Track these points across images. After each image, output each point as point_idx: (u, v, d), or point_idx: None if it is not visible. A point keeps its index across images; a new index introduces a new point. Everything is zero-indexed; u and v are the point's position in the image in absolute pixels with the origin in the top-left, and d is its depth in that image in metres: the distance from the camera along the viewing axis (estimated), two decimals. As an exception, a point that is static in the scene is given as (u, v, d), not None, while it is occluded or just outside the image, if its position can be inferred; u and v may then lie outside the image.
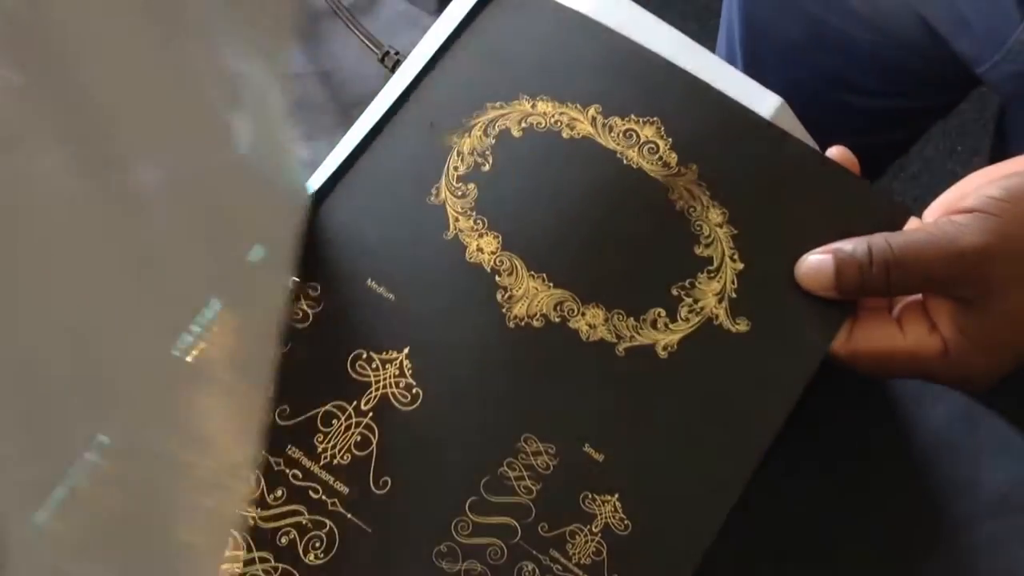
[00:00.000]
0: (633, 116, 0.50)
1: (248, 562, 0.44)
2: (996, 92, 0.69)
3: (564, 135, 0.50)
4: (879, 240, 0.46)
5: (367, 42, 0.63)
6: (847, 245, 0.47)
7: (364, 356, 0.46)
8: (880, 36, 0.71)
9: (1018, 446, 0.55)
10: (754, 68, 0.81)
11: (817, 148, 0.51)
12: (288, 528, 0.44)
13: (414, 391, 0.46)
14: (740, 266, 0.48)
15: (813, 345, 0.47)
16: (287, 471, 0.45)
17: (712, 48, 0.63)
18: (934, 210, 0.49)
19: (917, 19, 0.68)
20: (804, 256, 0.48)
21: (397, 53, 0.50)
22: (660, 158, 0.50)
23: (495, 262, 0.48)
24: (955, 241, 0.44)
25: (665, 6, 0.50)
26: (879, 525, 0.54)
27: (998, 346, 0.46)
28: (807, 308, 0.48)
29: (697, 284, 0.48)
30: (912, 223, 0.49)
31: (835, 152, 0.51)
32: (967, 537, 0.54)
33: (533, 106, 0.50)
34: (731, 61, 0.83)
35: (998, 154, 0.74)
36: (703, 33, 0.61)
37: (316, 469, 0.45)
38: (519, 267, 0.48)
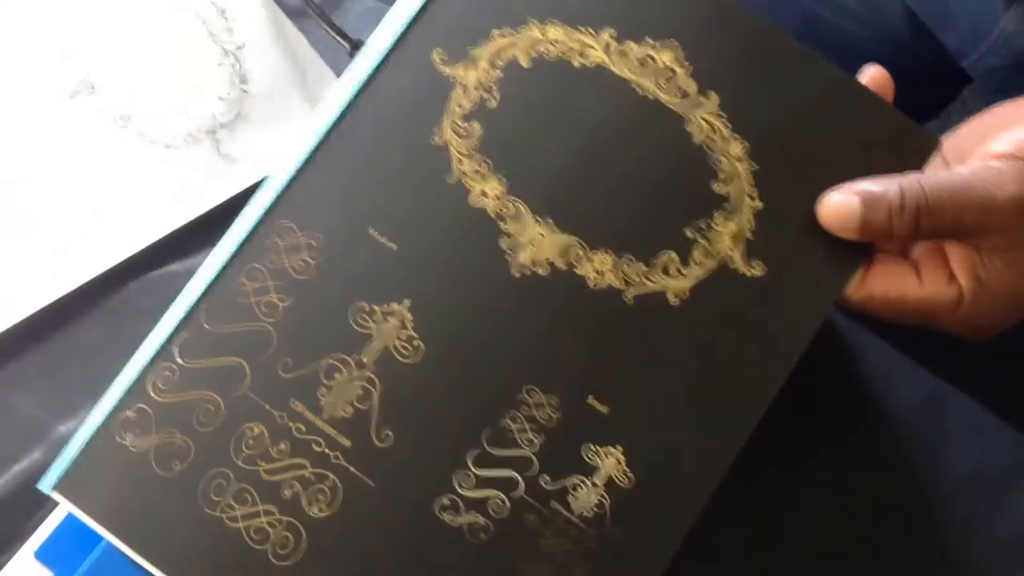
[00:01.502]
0: (649, 40, 0.47)
1: (253, 515, 0.44)
2: (982, 87, 0.68)
3: (575, 64, 0.47)
4: (912, 183, 0.43)
5: (337, 37, 0.63)
6: (876, 186, 0.44)
7: (366, 308, 0.45)
8: (870, 30, 0.70)
9: (987, 423, 0.55)
10: None
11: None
12: (292, 481, 0.44)
13: (415, 344, 0.45)
14: (759, 205, 0.46)
15: (826, 291, 0.46)
16: (290, 424, 0.44)
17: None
18: (958, 147, 0.47)
19: (905, 11, 0.68)
20: (827, 194, 0.45)
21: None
22: (678, 86, 0.47)
23: (500, 207, 0.46)
24: (993, 190, 0.42)
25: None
26: (852, 506, 0.54)
27: (1014, 298, 0.45)
28: (823, 251, 0.46)
29: (713, 224, 0.46)
30: (936, 163, 0.47)
31: (872, 73, 0.48)
32: (941, 516, 0.54)
33: (543, 32, 0.48)
34: None
35: None
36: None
37: (319, 422, 0.44)
38: (524, 212, 0.46)
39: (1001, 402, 0.55)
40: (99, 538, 0.46)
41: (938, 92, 0.79)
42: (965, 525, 0.54)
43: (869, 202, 0.44)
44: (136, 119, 0.60)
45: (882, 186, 0.44)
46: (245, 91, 0.62)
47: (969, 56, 0.65)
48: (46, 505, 0.48)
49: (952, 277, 0.45)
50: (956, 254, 0.45)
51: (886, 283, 0.45)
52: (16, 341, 0.54)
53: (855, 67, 0.77)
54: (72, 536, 0.48)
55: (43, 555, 0.48)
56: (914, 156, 0.46)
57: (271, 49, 0.63)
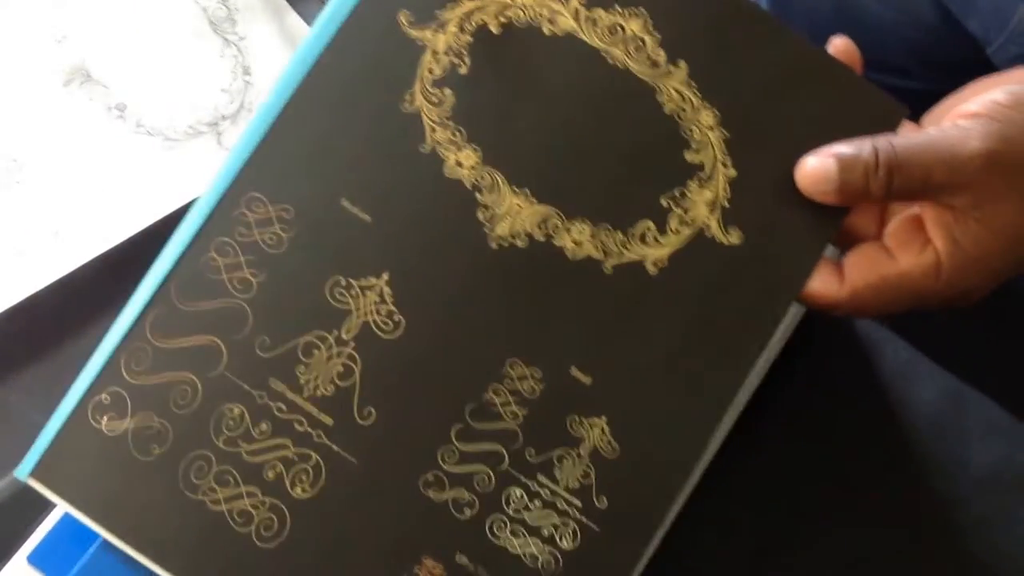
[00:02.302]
0: (618, 7, 0.47)
1: (235, 497, 0.43)
2: None
3: (545, 31, 0.46)
4: (883, 142, 0.44)
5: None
6: (848, 148, 0.44)
7: (343, 283, 0.44)
8: (898, 12, 0.70)
9: (1007, 425, 0.54)
10: None
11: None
12: (274, 462, 0.43)
13: (396, 318, 0.44)
14: (733, 172, 0.46)
15: (805, 256, 0.45)
16: (271, 404, 0.44)
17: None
18: (936, 114, 0.47)
19: None
20: (803, 159, 0.45)
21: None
22: (647, 56, 0.46)
23: (476, 178, 0.45)
24: (959, 145, 0.43)
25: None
26: (869, 506, 0.53)
27: (992, 256, 0.44)
28: (800, 216, 0.45)
29: (688, 193, 0.45)
30: (908, 127, 0.47)
31: (838, 44, 0.48)
32: (958, 517, 0.54)
33: None
34: None
35: None
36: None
37: (300, 401, 0.44)
38: (500, 182, 0.45)
39: (1021, 400, 0.55)
40: (91, 541, 0.45)
41: (968, 78, 0.79)
42: (981, 526, 0.53)
43: (845, 163, 0.44)
44: (133, 109, 0.59)
45: (856, 147, 0.44)
46: (248, 82, 0.61)
47: (991, 44, 0.65)
48: (46, 510, 0.47)
49: (925, 243, 0.45)
50: (930, 218, 0.45)
51: (863, 270, 0.45)
52: (14, 344, 0.54)
53: (886, 51, 0.78)
54: (65, 539, 0.47)
55: (35, 559, 0.47)
56: (883, 123, 0.46)
57: (274, 38, 0.62)
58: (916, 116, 0.80)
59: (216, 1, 0.63)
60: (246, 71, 0.61)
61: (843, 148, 0.44)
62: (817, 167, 0.45)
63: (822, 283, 0.45)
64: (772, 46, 0.47)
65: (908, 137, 0.44)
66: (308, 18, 0.63)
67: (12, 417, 0.48)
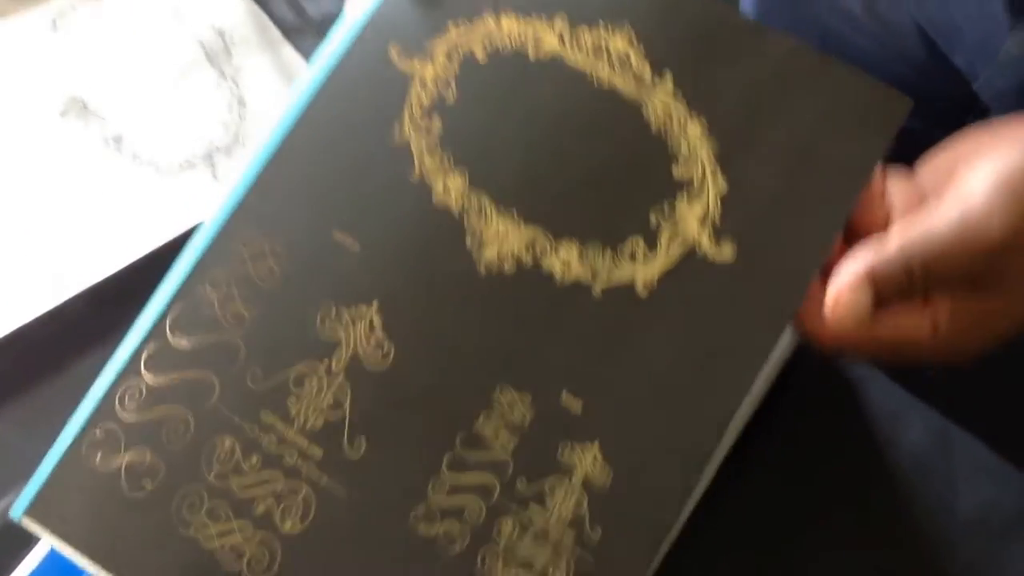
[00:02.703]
0: (602, 23, 0.47)
1: (227, 532, 0.43)
2: (993, 110, 0.66)
3: (531, 56, 0.47)
4: (913, 259, 0.42)
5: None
6: (881, 265, 0.42)
7: (333, 313, 0.44)
8: (883, 47, 0.69)
9: (993, 466, 0.53)
10: None
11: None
12: (265, 495, 0.43)
13: (385, 347, 0.44)
14: (723, 184, 0.45)
15: (801, 270, 0.44)
16: (261, 436, 0.43)
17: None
18: (934, 171, 0.46)
19: (916, 29, 0.67)
20: (833, 293, 0.43)
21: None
22: (633, 73, 0.46)
23: (463, 203, 0.45)
24: (983, 233, 0.41)
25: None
26: (855, 549, 0.52)
27: (992, 326, 0.43)
28: (795, 228, 0.45)
29: (677, 207, 0.45)
30: (896, 183, 0.46)
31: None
32: (944, 563, 0.53)
33: (497, 23, 0.47)
34: None
35: None
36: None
37: (290, 433, 0.43)
38: (487, 206, 0.45)
39: (1009, 441, 0.55)
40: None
41: (956, 114, 0.79)
42: (968, 573, 0.52)
43: (879, 286, 0.43)
44: (129, 141, 0.59)
45: (885, 267, 0.42)
46: (243, 114, 0.61)
47: (978, 79, 0.65)
48: (31, 544, 0.47)
49: (924, 305, 0.44)
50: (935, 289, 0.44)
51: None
52: (7, 377, 0.54)
53: None
54: (52, 572, 0.48)
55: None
56: (886, 119, 0.45)
57: (269, 70, 0.63)
58: (904, 152, 0.80)
59: (212, 34, 0.63)
60: (241, 103, 0.62)
61: (874, 266, 0.42)
62: (852, 297, 0.43)
63: (815, 322, 0.44)
64: (760, 50, 0.46)
65: (939, 238, 0.42)
66: (303, 51, 0.64)
67: (4, 450, 0.48)
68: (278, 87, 0.63)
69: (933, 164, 0.46)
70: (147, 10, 0.63)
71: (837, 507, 0.53)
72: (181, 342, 0.44)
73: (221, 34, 0.63)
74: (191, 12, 0.64)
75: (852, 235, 0.45)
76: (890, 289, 0.42)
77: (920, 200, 0.46)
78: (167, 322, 0.44)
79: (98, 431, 0.43)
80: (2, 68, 0.61)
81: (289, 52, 0.64)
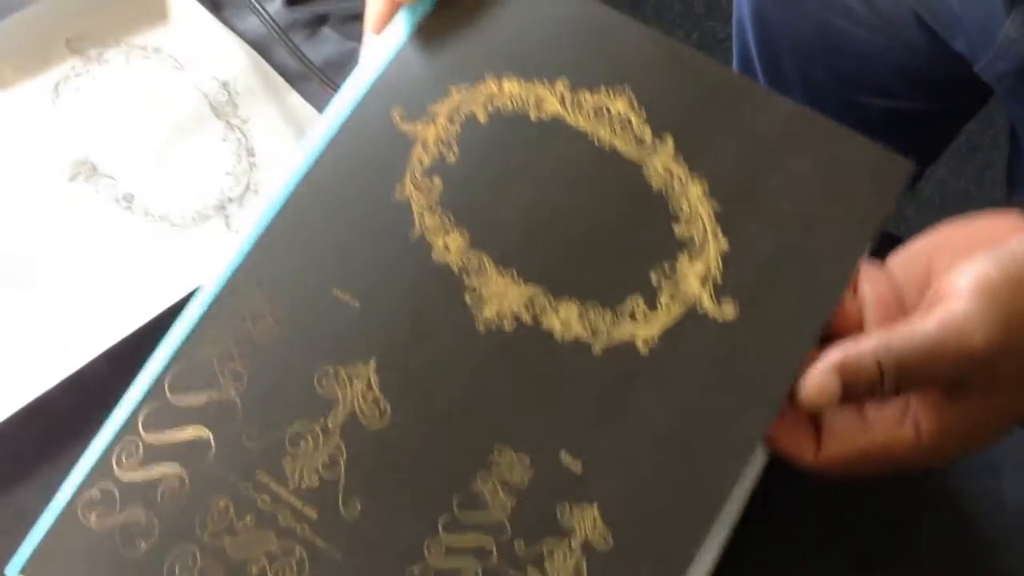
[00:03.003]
0: (603, 87, 0.47)
1: None
2: (996, 90, 0.67)
3: (532, 117, 0.47)
4: (886, 351, 0.41)
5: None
6: (852, 356, 0.41)
7: (330, 371, 0.44)
8: (883, 37, 0.70)
9: None
10: (771, 66, 0.82)
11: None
12: (259, 556, 0.42)
13: (382, 406, 0.44)
14: (724, 243, 0.45)
15: (804, 328, 0.44)
16: (256, 496, 0.43)
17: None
18: (908, 266, 0.46)
19: (915, 18, 0.68)
20: (809, 375, 0.42)
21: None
22: (633, 134, 0.46)
23: (462, 261, 0.45)
24: (966, 339, 0.40)
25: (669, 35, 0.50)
26: (904, 550, 0.52)
27: (978, 430, 0.43)
28: (798, 286, 0.44)
29: (678, 267, 0.45)
30: (868, 278, 0.45)
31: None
32: (997, 555, 0.52)
33: (499, 86, 0.48)
34: (746, 61, 0.84)
35: (1015, 160, 0.76)
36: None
37: (284, 493, 0.43)
38: (487, 264, 0.45)
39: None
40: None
41: (961, 95, 0.79)
42: (1020, 562, 0.50)
43: (848, 378, 0.41)
44: (141, 199, 0.59)
45: (856, 357, 0.41)
46: (253, 163, 0.61)
47: (979, 61, 0.65)
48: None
49: (904, 412, 0.43)
50: (916, 395, 0.43)
51: (841, 441, 0.43)
52: (28, 444, 0.53)
53: (872, 73, 0.78)
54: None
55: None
56: (886, 182, 0.45)
57: (276, 119, 0.62)
58: (903, 134, 0.80)
59: (217, 86, 0.63)
60: (250, 153, 0.61)
61: (845, 357, 0.42)
62: (820, 384, 0.42)
63: (797, 446, 0.43)
64: (760, 112, 0.46)
65: (913, 339, 0.41)
66: (309, 97, 0.63)
67: (27, 517, 0.47)
68: (287, 135, 0.62)
69: (906, 260, 0.46)
70: (149, 67, 0.63)
71: (881, 504, 0.52)
72: (179, 401, 0.44)
73: (225, 86, 0.63)
74: (193, 66, 0.64)
75: (824, 335, 0.44)
76: (860, 383, 0.41)
77: (895, 297, 0.45)
78: (166, 381, 0.44)
79: (95, 491, 0.43)
80: (7, 138, 0.60)
81: (295, 99, 0.63)
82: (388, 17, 0.50)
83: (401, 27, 0.49)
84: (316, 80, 0.63)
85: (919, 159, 0.89)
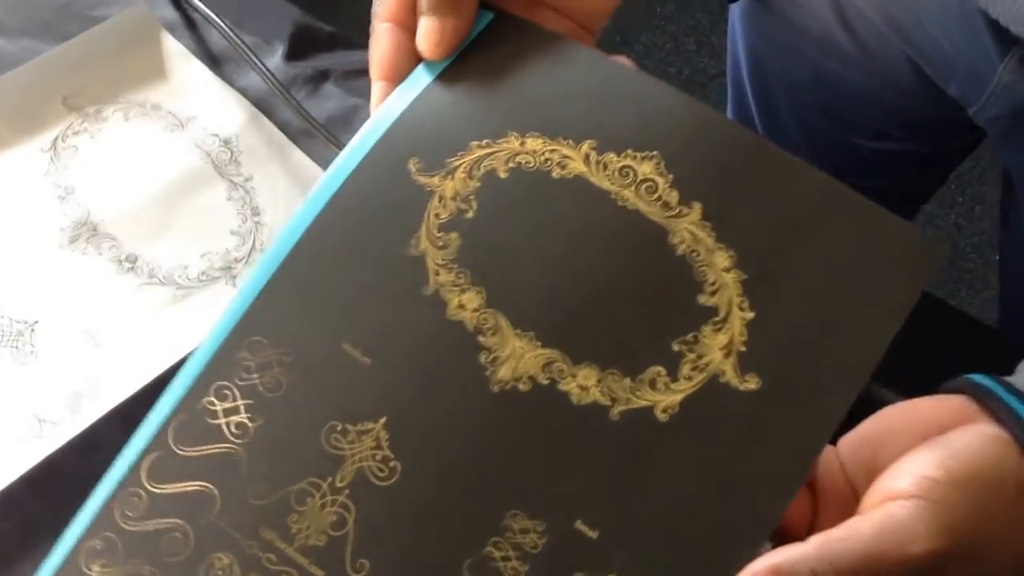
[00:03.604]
0: (630, 151, 0.46)
1: None
2: (989, 134, 0.68)
3: (555, 175, 0.46)
4: (822, 563, 0.39)
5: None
6: (786, 563, 0.39)
7: (339, 428, 0.43)
8: (876, 79, 0.71)
9: None
10: (765, 105, 0.82)
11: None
12: None
13: (391, 464, 0.42)
14: (750, 315, 0.43)
15: (832, 403, 0.42)
16: (261, 555, 0.41)
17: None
18: (856, 450, 0.44)
19: (908, 61, 0.68)
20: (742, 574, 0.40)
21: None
22: (659, 197, 0.45)
23: (478, 320, 0.44)
24: (906, 548, 0.39)
25: (663, 76, 0.50)
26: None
27: None
28: (826, 360, 0.43)
29: (701, 338, 0.43)
30: (823, 464, 0.43)
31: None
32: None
33: (522, 144, 0.47)
34: (741, 99, 0.85)
35: (1008, 203, 0.77)
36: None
37: (291, 552, 0.42)
38: (504, 325, 0.44)
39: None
40: None
41: (955, 137, 0.80)
42: None
43: None
44: (144, 260, 0.58)
45: (791, 567, 0.39)
46: (258, 222, 0.60)
47: (972, 105, 0.65)
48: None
49: None
50: None
51: None
52: (34, 511, 0.52)
53: (864, 114, 0.79)
54: None
55: None
56: (920, 264, 0.44)
57: (280, 177, 0.62)
58: (895, 175, 0.81)
59: (219, 144, 0.62)
60: (255, 212, 0.60)
61: (782, 562, 0.39)
62: None
63: None
64: (792, 183, 0.45)
65: (850, 546, 0.40)
66: (313, 155, 0.63)
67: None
68: (292, 193, 0.62)
69: (856, 444, 0.44)
70: (148, 125, 0.63)
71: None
72: (183, 452, 0.43)
73: (227, 143, 0.62)
74: (193, 124, 0.63)
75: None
76: None
77: (847, 484, 0.44)
78: (170, 431, 0.43)
79: (97, 541, 0.42)
80: (5, 199, 0.59)
81: (299, 156, 0.63)
82: (395, 64, 0.48)
83: (421, 76, 0.48)
84: (320, 137, 0.63)
85: (911, 200, 0.91)
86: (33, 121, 0.62)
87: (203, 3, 0.66)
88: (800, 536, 0.40)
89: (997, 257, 0.80)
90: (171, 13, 0.67)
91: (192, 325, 0.56)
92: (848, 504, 0.42)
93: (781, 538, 0.41)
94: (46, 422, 0.53)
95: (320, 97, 0.65)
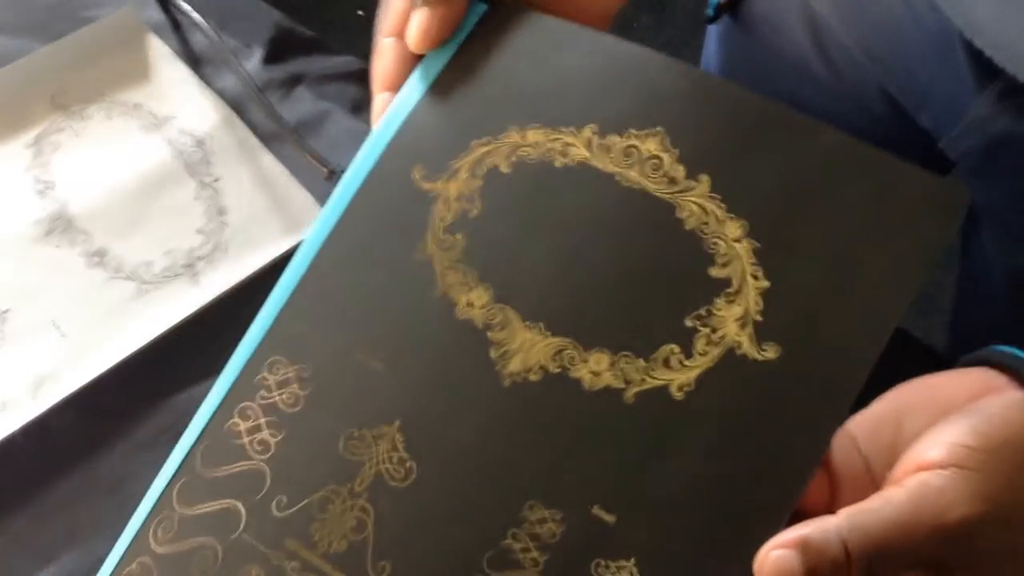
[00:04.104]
0: (633, 130, 0.45)
1: None
2: (958, 166, 0.67)
3: (557, 164, 0.45)
4: (855, 532, 0.38)
5: (314, 162, 0.64)
6: (816, 533, 0.38)
7: (356, 434, 0.43)
8: (848, 106, 0.71)
9: None
10: None
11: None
12: None
13: (407, 465, 0.42)
14: (765, 284, 0.42)
15: (852, 371, 0.41)
16: (286, 564, 0.42)
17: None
18: (874, 428, 0.43)
19: (881, 91, 0.68)
20: (766, 550, 0.39)
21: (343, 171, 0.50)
22: (664, 174, 0.44)
23: (486, 316, 0.44)
24: (942, 515, 0.38)
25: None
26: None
27: None
28: (845, 325, 0.41)
29: (715, 311, 0.42)
30: (837, 444, 0.42)
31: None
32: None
33: (523, 136, 0.46)
34: None
35: (971, 233, 0.77)
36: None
37: (314, 559, 0.42)
38: (513, 318, 0.44)
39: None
40: None
41: (931, 168, 0.79)
42: None
43: (811, 559, 0.38)
44: (112, 255, 0.59)
45: (821, 536, 0.38)
46: (224, 223, 0.62)
47: (944, 137, 0.65)
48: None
49: None
50: None
51: None
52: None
53: None
54: None
55: None
56: (941, 213, 0.42)
57: (248, 179, 0.63)
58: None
59: (192, 143, 0.63)
60: (221, 211, 0.61)
61: (811, 534, 0.38)
62: (779, 560, 0.38)
63: None
64: (801, 143, 0.44)
65: (882, 515, 0.38)
66: (282, 157, 0.63)
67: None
68: (258, 195, 0.62)
69: (872, 426, 0.43)
70: (128, 123, 0.64)
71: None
72: (210, 473, 0.44)
73: (200, 143, 0.63)
74: (170, 123, 0.64)
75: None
76: (824, 564, 0.38)
77: (865, 468, 0.43)
78: (197, 455, 0.44)
79: (135, 565, 0.43)
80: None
81: (268, 159, 0.63)
82: (400, 76, 0.48)
83: (416, 84, 0.48)
84: (289, 141, 0.65)
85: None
86: (20, 117, 0.62)
87: (189, 5, 0.68)
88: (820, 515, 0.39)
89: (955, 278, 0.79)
90: (158, 15, 0.68)
91: (151, 319, 0.57)
92: (865, 486, 0.41)
93: (799, 521, 0.40)
94: (7, 404, 0.55)
95: (292, 101, 0.67)
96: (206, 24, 0.66)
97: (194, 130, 0.65)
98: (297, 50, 0.69)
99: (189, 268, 0.60)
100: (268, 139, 0.65)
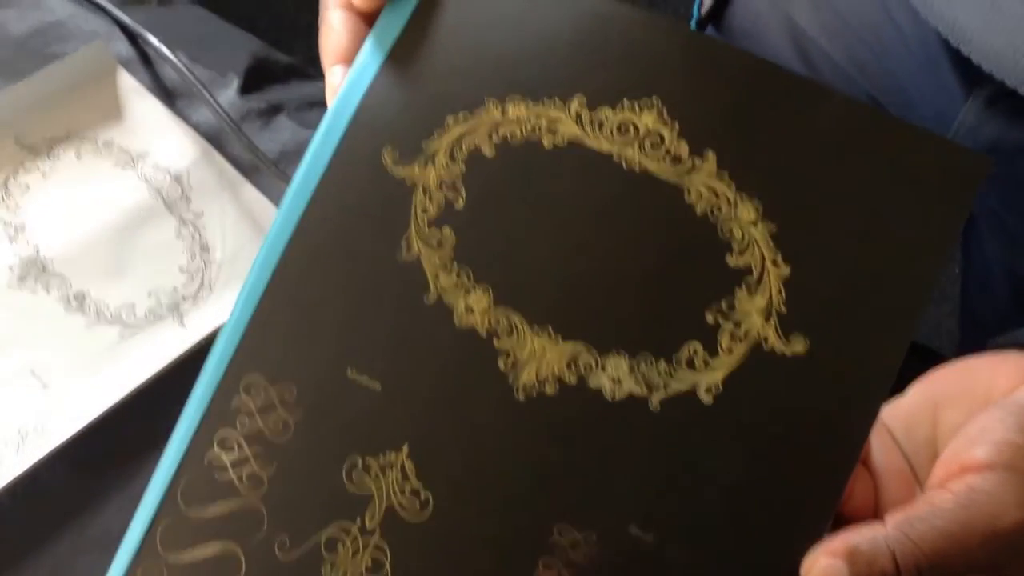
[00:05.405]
0: (627, 101, 0.40)
1: None
2: None
3: (546, 144, 0.40)
4: (902, 540, 0.36)
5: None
6: (865, 543, 0.36)
7: (360, 464, 0.38)
8: None
9: None
10: None
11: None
12: None
13: (423, 496, 0.38)
14: (786, 270, 0.39)
15: (884, 359, 0.38)
16: None
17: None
18: (908, 418, 0.41)
19: (869, 98, 0.66)
20: (813, 557, 0.36)
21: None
22: (667, 152, 0.40)
23: (489, 322, 0.39)
24: (994, 522, 0.35)
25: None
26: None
27: None
28: (874, 307, 0.38)
29: (736, 303, 0.39)
30: (876, 440, 0.39)
31: None
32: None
33: (503, 112, 0.41)
34: None
35: (968, 244, 0.76)
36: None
37: None
38: (518, 323, 0.39)
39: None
40: None
41: None
42: None
43: (859, 570, 0.36)
44: (92, 298, 0.57)
45: (871, 546, 0.36)
46: (207, 260, 0.59)
47: None
48: None
49: None
50: None
51: None
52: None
53: None
54: None
55: None
56: (963, 182, 0.39)
57: (230, 213, 0.59)
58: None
59: (169, 180, 0.59)
60: (204, 248, 0.57)
61: (859, 543, 0.36)
62: (825, 569, 0.36)
63: None
64: (812, 112, 0.40)
65: (931, 522, 0.36)
66: (264, 190, 0.59)
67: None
68: (242, 229, 0.58)
69: (908, 417, 0.41)
70: (100, 162, 0.60)
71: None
72: (196, 513, 0.39)
73: (178, 180, 0.60)
74: (145, 160, 0.60)
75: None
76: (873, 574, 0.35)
77: (904, 463, 0.41)
78: (177, 492, 0.38)
79: None
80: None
81: (249, 191, 0.59)
82: (351, 45, 0.43)
83: (372, 51, 0.42)
84: (270, 173, 0.63)
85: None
86: (-16, 160, 0.56)
87: (159, 37, 0.65)
88: (865, 519, 0.36)
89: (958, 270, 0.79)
90: (127, 49, 0.64)
91: (137, 364, 0.53)
92: (908, 480, 0.39)
93: (843, 525, 0.37)
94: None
95: (272, 130, 0.63)
96: (174, 59, 0.64)
97: (170, 166, 0.62)
98: (275, 78, 0.65)
99: (174, 309, 0.57)
100: (249, 171, 0.61)
